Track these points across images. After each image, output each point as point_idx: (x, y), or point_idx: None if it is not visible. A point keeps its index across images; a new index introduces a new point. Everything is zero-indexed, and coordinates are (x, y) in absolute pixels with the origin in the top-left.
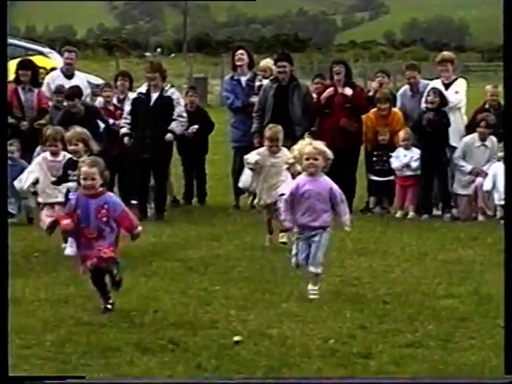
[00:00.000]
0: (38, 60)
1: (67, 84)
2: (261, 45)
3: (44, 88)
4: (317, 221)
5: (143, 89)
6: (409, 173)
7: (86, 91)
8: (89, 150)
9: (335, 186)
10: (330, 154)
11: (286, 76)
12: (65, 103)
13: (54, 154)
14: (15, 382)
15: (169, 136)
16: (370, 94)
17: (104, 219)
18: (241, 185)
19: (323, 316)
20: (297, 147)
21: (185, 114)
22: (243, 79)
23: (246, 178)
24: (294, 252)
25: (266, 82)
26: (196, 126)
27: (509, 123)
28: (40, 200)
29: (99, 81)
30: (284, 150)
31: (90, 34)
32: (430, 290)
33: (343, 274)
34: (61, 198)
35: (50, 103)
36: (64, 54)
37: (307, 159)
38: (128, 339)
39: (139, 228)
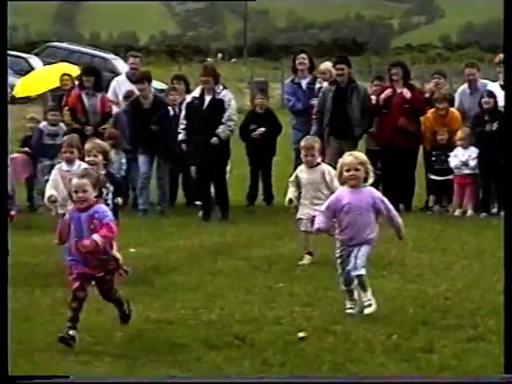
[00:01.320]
0: (63, 67)
1: (134, 89)
2: (319, 49)
3: (109, 93)
4: (356, 238)
5: (197, 92)
6: (467, 171)
7: None
8: (108, 162)
9: (378, 198)
10: (370, 166)
11: (345, 78)
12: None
13: (69, 162)
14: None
15: (214, 140)
16: (427, 95)
17: (97, 229)
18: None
19: (386, 312)
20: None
21: (234, 117)
22: (304, 82)
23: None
24: (339, 272)
25: (325, 84)
26: (263, 129)
27: (509, 123)
28: (58, 211)
29: (163, 86)
30: (323, 164)
31: (153, 41)
32: (489, 286)
33: (404, 271)
34: None
35: (114, 107)
36: (129, 60)
37: (348, 170)
38: (195, 336)
39: (99, 240)
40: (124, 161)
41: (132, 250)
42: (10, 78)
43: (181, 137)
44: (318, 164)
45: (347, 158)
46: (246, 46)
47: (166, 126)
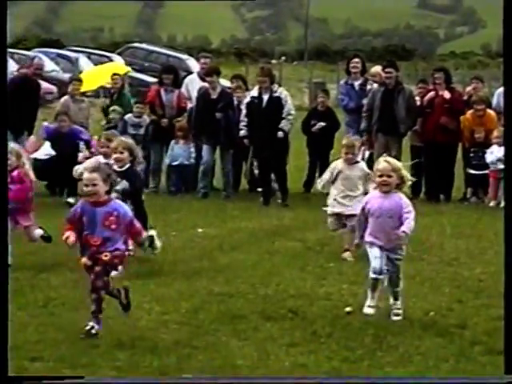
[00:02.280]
0: (114, 67)
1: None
2: (372, 54)
3: (182, 89)
4: (383, 241)
5: (255, 92)
6: (502, 166)
7: None
8: (134, 158)
9: (407, 203)
10: (404, 172)
11: (392, 81)
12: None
13: (106, 156)
14: (15, 381)
15: (280, 134)
16: (466, 97)
17: (113, 226)
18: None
19: (424, 291)
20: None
21: (292, 112)
22: (356, 83)
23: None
24: (371, 256)
25: (375, 86)
26: (322, 123)
27: (509, 123)
28: None
29: (229, 84)
30: (362, 163)
31: (223, 44)
32: None
33: (442, 254)
34: None
35: (189, 103)
36: (200, 60)
37: (380, 176)
38: (253, 308)
39: (144, 234)
40: (193, 149)
41: (200, 230)
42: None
43: (243, 133)
44: (357, 162)
45: (381, 163)
46: (306, 50)
47: (230, 115)
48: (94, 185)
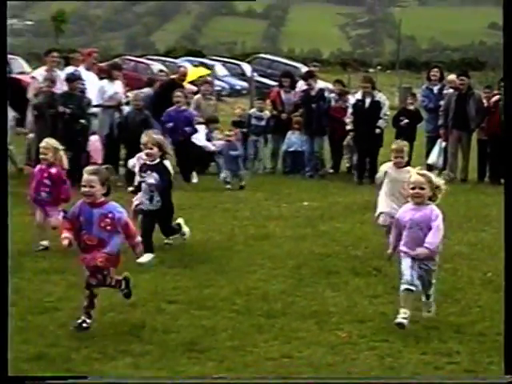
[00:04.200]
0: (199, 70)
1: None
2: (451, 65)
3: (297, 89)
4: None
5: (359, 96)
6: None
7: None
8: (164, 153)
9: (436, 215)
10: (438, 182)
11: (465, 87)
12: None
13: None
14: (15, 381)
15: (378, 130)
16: None
17: (108, 228)
18: (429, 161)
19: (484, 256)
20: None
21: (388, 113)
22: (435, 88)
23: (433, 156)
24: (404, 267)
25: (450, 90)
26: (406, 120)
27: (509, 123)
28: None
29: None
30: (410, 169)
31: (332, 55)
32: None
33: (500, 226)
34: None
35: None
36: (310, 68)
37: (413, 188)
38: (345, 266)
39: (138, 238)
40: (305, 139)
41: (305, 203)
42: (230, 79)
43: (349, 128)
44: (405, 166)
45: (415, 176)
46: (397, 61)
47: (322, 105)
48: (92, 186)
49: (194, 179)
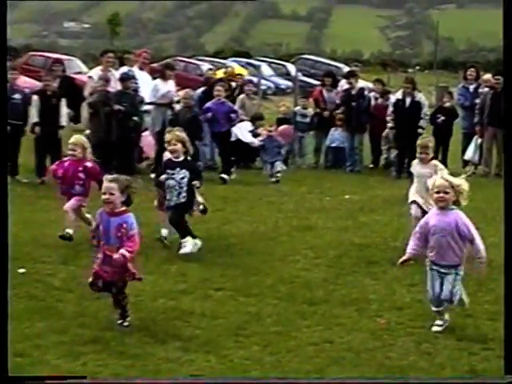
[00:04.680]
0: (238, 69)
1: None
2: (487, 65)
3: (339, 88)
4: (444, 259)
5: (399, 95)
6: None
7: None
8: (187, 150)
9: (462, 221)
10: (463, 186)
11: (499, 85)
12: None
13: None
14: (15, 381)
15: (420, 130)
16: None
17: (124, 238)
18: (466, 157)
19: None
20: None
21: (428, 113)
22: (471, 87)
23: (470, 152)
24: (428, 285)
25: (486, 89)
26: (443, 117)
27: (509, 123)
28: None
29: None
30: (436, 162)
31: (372, 56)
32: None
33: None
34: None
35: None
36: (351, 68)
37: (437, 192)
38: (384, 256)
39: (127, 253)
40: (345, 135)
41: (346, 196)
42: (275, 79)
43: (389, 125)
44: (430, 160)
45: (438, 180)
46: (435, 61)
47: (362, 103)
48: (112, 194)
49: (233, 175)
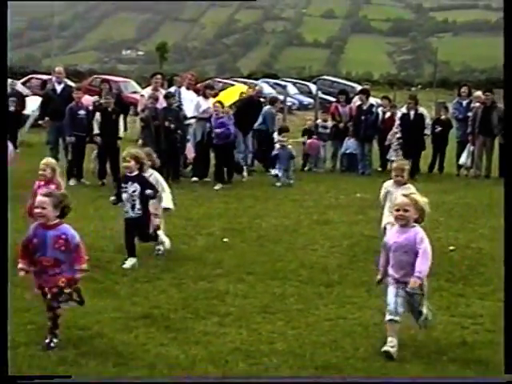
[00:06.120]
0: (240, 87)
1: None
2: (478, 84)
3: (352, 104)
4: (404, 276)
5: (404, 109)
6: None
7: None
8: (141, 167)
9: (420, 238)
10: (423, 204)
11: (489, 101)
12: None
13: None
14: (8, 381)
15: (425, 137)
16: None
17: (62, 248)
18: (460, 162)
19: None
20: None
21: (430, 123)
22: (464, 102)
23: (463, 157)
24: (389, 299)
25: (477, 104)
26: (440, 128)
27: (509, 123)
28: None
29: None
30: (410, 186)
31: (381, 77)
32: None
33: None
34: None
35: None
36: (364, 86)
37: (397, 210)
38: None
39: (84, 265)
40: (357, 143)
41: (358, 194)
42: (299, 96)
43: (398, 135)
44: (405, 183)
45: (400, 198)
46: (434, 81)
47: (369, 117)
48: (43, 208)
49: (244, 173)
